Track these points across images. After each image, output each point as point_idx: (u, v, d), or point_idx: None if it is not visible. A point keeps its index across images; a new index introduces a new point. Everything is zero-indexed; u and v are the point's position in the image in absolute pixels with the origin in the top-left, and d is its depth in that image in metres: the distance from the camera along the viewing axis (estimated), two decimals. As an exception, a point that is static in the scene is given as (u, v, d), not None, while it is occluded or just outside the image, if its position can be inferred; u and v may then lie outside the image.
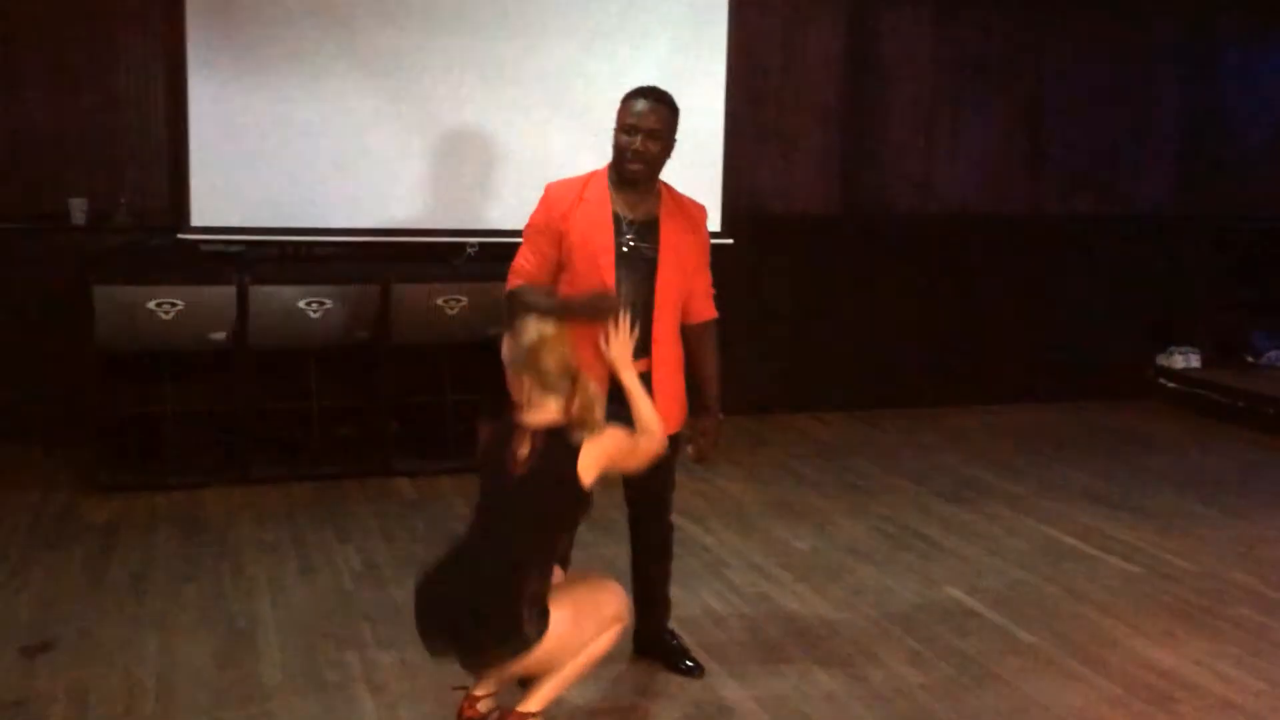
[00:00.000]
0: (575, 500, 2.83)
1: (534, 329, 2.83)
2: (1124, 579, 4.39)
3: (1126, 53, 7.26)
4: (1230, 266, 7.54)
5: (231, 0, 5.32)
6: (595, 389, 2.85)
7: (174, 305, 4.98)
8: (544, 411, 2.81)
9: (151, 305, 4.95)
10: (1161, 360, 7.42)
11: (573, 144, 5.47)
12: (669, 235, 3.27)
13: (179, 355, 5.14)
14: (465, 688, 3.03)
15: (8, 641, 3.55)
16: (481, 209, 5.73)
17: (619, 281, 3.20)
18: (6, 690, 3.25)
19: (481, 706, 2.99)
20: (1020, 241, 7.15)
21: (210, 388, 5.31)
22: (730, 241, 5.89)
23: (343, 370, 5.47)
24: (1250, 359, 7.50)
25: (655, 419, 3.02)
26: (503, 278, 3.38)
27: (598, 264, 3.20)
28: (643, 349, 3.25)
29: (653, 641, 3.55)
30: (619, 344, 3.06)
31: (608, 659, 3.44)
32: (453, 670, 3.34)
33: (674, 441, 3.32)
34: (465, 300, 5.33)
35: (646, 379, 3.25)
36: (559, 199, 3.28)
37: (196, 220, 5.37)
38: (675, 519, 3.54)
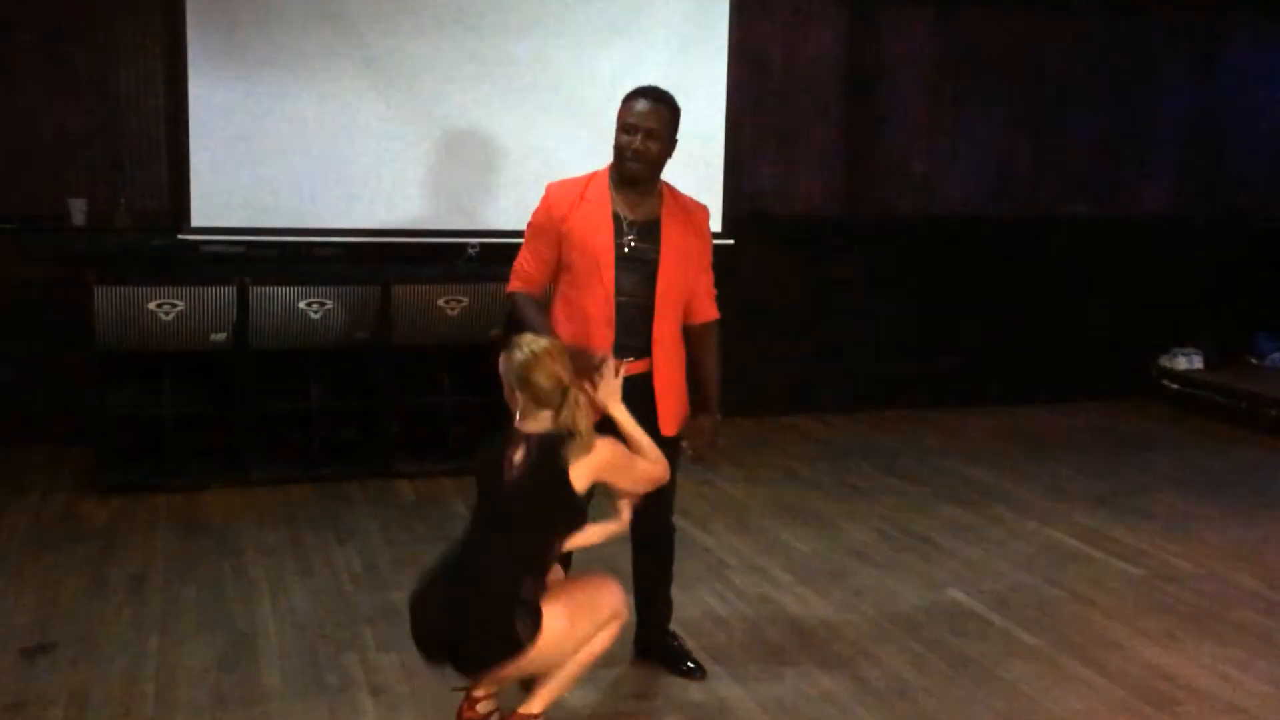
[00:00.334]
0: (568, 506, 2.84)
1: (526, 346, 2.87)
2: (1126, 581, 4.38)
3: (1129, 54, 7.24)
4: (1233, 268, 7.52)
5: (232, 0, 5.31)
6: (586, 401, 2.89)
7: (174, 306, 4.98)
8: (538, 421, 2.84)
9: (152, 306, 4.95)
10: (1164, 362, 7.41)
11: (574, 144, 5.46)
12: (670, 236, 3.25)
13: (179, 356, 5.13)
14: (465, 688, 3.02)
15: (7, 643, 3.54)
16: (482, 209, 5.72)
17: (619, 282, 3.19)
18: (6, 692, 3.24)
19: (481, 708, 2.98)
20: (1023, 243, 7.14)
21: (210, 389, 5.30)
22: (731, 242, 5.88)
23: (343, 371, 5.46)
24: (1253, 360, 7.48)
25: (654, 449, 3.04)
26: (504, 278, 3.38)
27: (598, 265, 3.19)
28: (643, 350, 3.24)
29: (654, 643, 3.54)
30: (606, 386, 3.06)
31: (608, 661, 3.44)
32: (452, 670, 3.34)
33: (675, 443, 3.31)
34: (466, 301, 5.32)
35: (647, 380, 3.24)
36: (560, 199, 3.27)
37: (197, 221, 5.37)
38: (676, 520, 3.53)
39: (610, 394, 3.06)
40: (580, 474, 2.82)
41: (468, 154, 5.70)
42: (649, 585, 3.52)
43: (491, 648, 2.79)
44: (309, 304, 5.16)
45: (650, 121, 3.18)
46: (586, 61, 5.76)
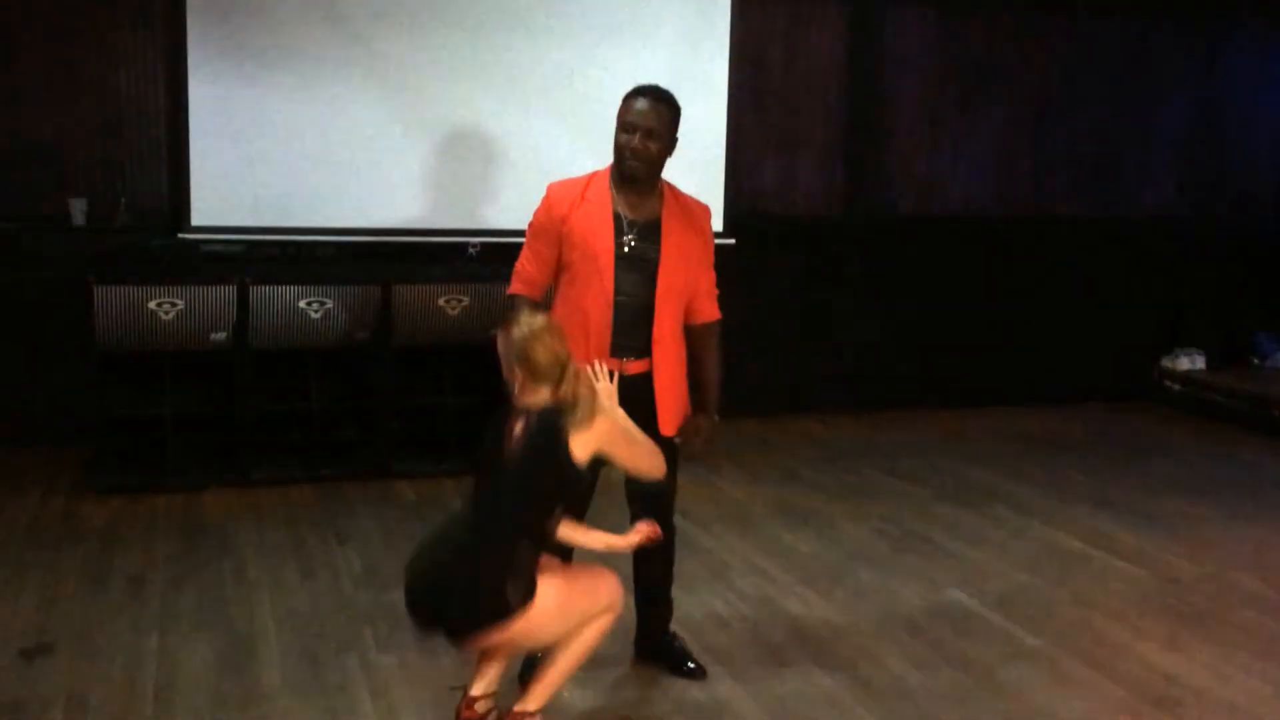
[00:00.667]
0: (568, 475, 2.84)
1: (524, 323, 2.88)
2: (1128, 582, 4.37)
3: (1132, 54, 7.24)
4: (1235, 268, 7.51)
5: (233, 0, 5.31)
6: (586, 373, 2.89)
7: (174, 306, 4.97)
8: (537, 396, 2.85)
9: (152, 306, 4.95)
10: (1166, 363, 7.40)
11: (575, 144, 5.46)
12: (671, 235, 3.25)
13: (179, 356, 5.12)
14: (463, 687, 3.01)
15: (6, 644, 3.53)
16: (483, 209, 5.72)
17: (619, 282, 3.18)
18: (5, 692, 3.23)
19: (479, 707, 2.97)
20: (1024, 243, 7.13)
21: (210, 389, 5.29)
22: (733, 242, 5.87)
23: (343, 371, 5.45)
24: (1255, 361, 7.47)
25: (652, 448, 3.03)
26: (505, 278, 3.37)
27: (598, 264, 3.18)
28: (643, 350, 3.23)
29: (655, 644, 3.53)
30: (601, 390, 3.03)
31: (609, 661, 3.44)
32: (451, 670, 3.34)
33: (674, 443, 3.30)
34: (467, 300, 5.31)
35: (647, 380, 3.23)
36: (560, 199, 3.26)
37: (197, 220, 5.36)
38: (677, 521, 3.51)
39: (606, 396, 3.06)
40: (581, 444, 2.82)
41: (468, 153, 5.69)
42: (650, 586, 3.51)
43: (480, 607, 2.77)
44: (309, 304, 5.15)
45: (649, 120, 3.17)
46: (587, 61, 5.75)
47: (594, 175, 3.30)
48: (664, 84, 3.31)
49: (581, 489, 2.94)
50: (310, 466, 5.28)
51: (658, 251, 3.22)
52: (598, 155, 3.40)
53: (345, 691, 3.31)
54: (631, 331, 3.22)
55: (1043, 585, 4.30)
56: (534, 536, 2.85)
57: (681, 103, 3.29)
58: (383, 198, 5.57)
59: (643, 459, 2.99)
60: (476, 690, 2.98)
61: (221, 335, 5.06)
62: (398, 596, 3.91)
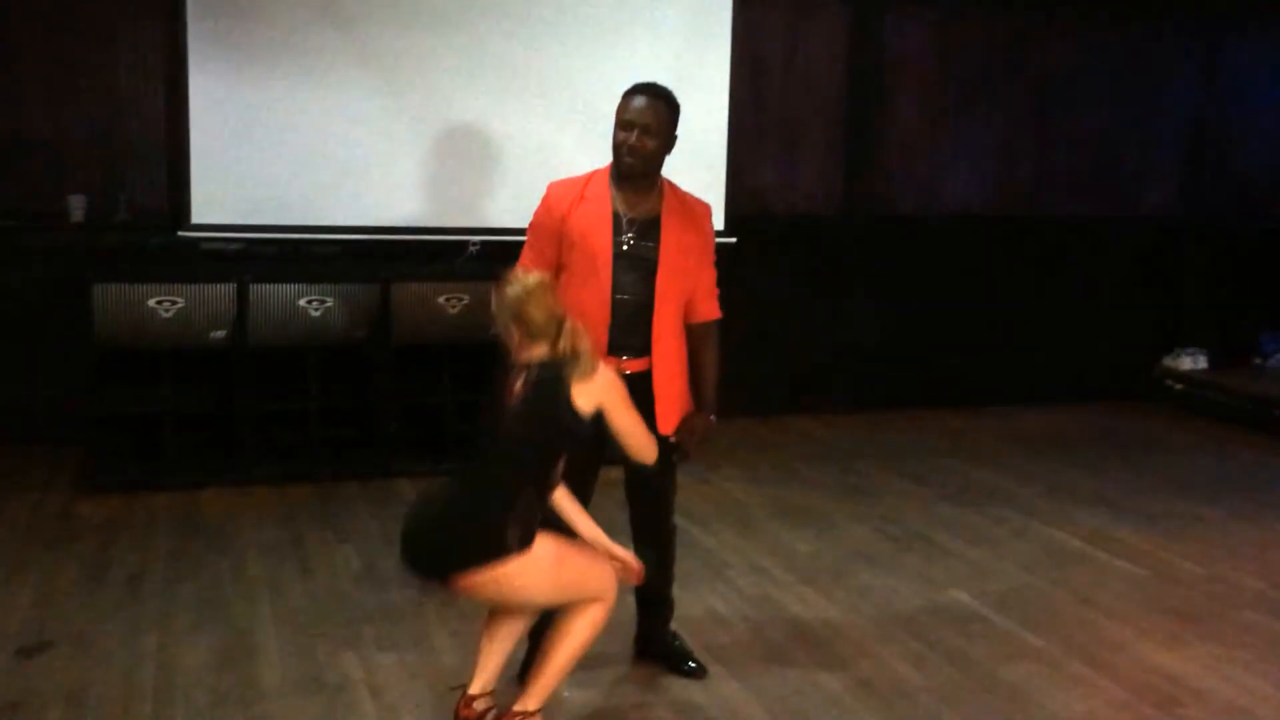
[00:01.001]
0: (571, 425, 2.84)
1: (518, 281, 2.89)
2: (1130, 582, 4.36)
3: (1132, 54, 7.22)
4: (1237, 268, 7.50)
5: (233, -3, 5.31)
6: (582, 328, 2.89)
7: (174, 303, 4.96)
8: (535, 351, 2.86)
9: (151, 303, 4.94)
10: (1168, 362, 7.39)
11: (576, 142, 5.45)
12: (670, 234, 3.23)
13: (178, 354, 5.11)
14: (463, 687, 3.00)
15: (5, 642, 3.52)
16: (483, 207, 5.70)
17: (617, 280, 3.17)
18: (3, 691, 3.23)
19: (478, 706, 2.97)
20: (1025, 243, 7.12)
21: (209, 387, 5.28)
22: (733, 241, 5.85)
23: (343, 370, 5.44)
24: (1258, 361, 7.45)
25: (651, 434, 3.02)
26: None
27: (596, 263, 3.17)
28: (643, 348, 3.22)
29: (655, 643, 3.52)
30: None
31: (608, 660, 3.43)
32: (450, 669, 3.33)
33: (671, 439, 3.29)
34: (467, 299, 5.30)
35: (646, 378, 3.22)
36: (560, 198, 3.26)
37: (197, 218, 5.34)
38: (677, 520, 3.51)
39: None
40: (583, 395, 2.82)
41: (468, 151, 5.68)
42: (650, 585, 3.48)
43: (479, 544, 2.76)
44: (309, 302, 5.14)
45: (647, 118, 3.17)
46: (588, 59, 5.74)
47: (594, 174, 3.29)
48: (664, 82, 3.29)
49: (584, 440, 2.92)
50: (309, 465, 5.27)
51: (657, 250, 3.21)
52: (598, 154, 3.39)
53: (344, 690, 3.30)
54: (630, 330, 3.21)
55: (1044, 585, 4.29)
56: (538, 485, 2.85)
57: (682, 101, 3.28)
58: (383, 196, 5.56)
59: (639, 431, 2.97)
60: (475, 689, 2.98)
61: (221, 333, 5.05)
62: (397, 595, 3.94)
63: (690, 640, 3.58)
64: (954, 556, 4.56)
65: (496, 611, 3.01)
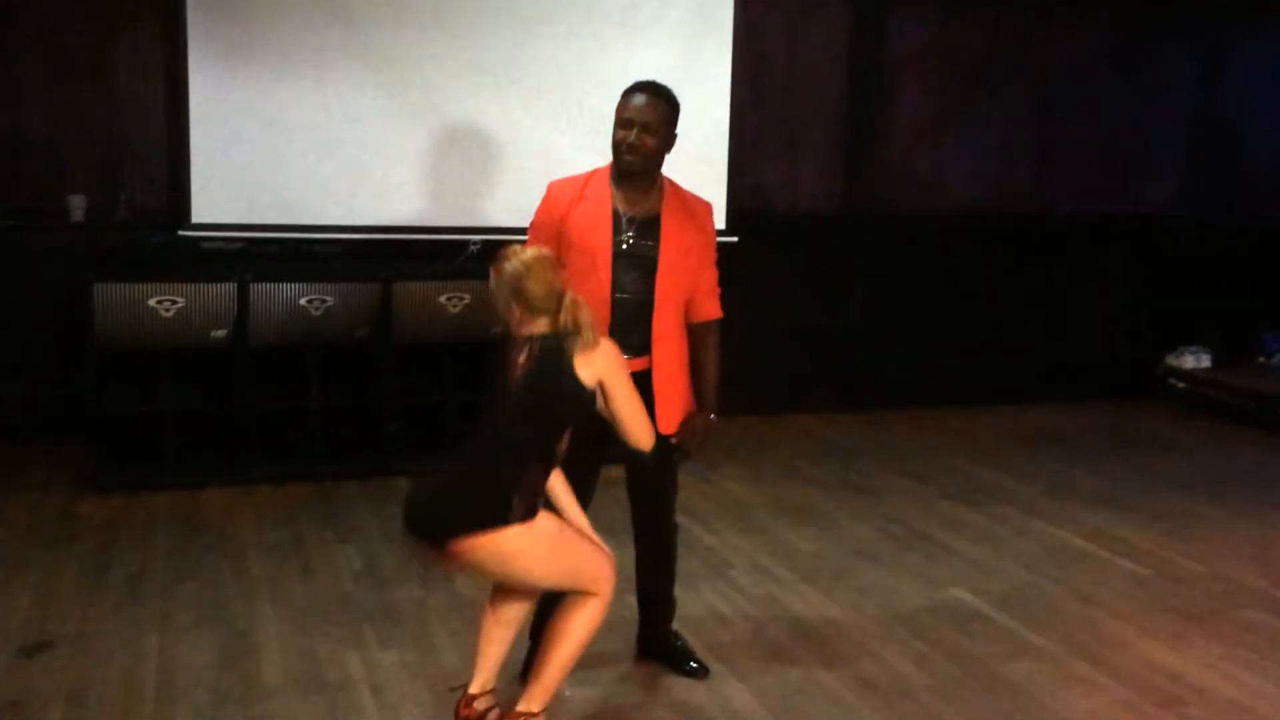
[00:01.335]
0: (574, 397, 2.84)
1: (515, 256, 2.89)
2: (1133, 581, 4.35)
3: (1134, 52, 7.21)
4: (1241, 266, 7.48)
5: (233, -4, 5.30)
6: (583, 300, 2.89)
7: (174, 303, 4.95)
8: (536, 326, 2.86)
9: (152, 303, 4.93)
10: (1171, 360, 7.38)
11: (577, 141, 5.44)
12: (670, 232, 3.23)
13: (179, 353, 5.10)
14: (463, 687, 3.00)
15: (6, 641, 3.52)
16: (484, 206, 5.70)
17: (617, 279, 3.16)
18: (4, 690, 3.22)
19: (479, 705, 2.96)
20: (1028, 240, 7.11)
21: (210, 386, 5.28)
22: (735, 240, 5.84)
23: (344, 369, 5.43)
24: (1261, 359, 7.44)
25: (649, 421, 3.01)
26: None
27: (595, 262, 3.17)
28: (643, 348, 3.21)
29: (657, 643, 3.51)
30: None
31: (611, 660, 3.43)
32: (452, 668, 3.32)
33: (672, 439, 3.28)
34: (468, 298, 5.30)
35: (646, 377, 3.21)
36: (560, 197, 3.25)
37: (197, 217, 5.34)
38: (679, 519, 3.50)
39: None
40: (585, 366, 2.82)
41: (469, 151, 5.67)
42: (652, 584, 3.49)
43: (482, 508, 2.75)
44: (309, 301, 5.14)
45: (646, 116, 3.16)
46: (590, 58, 5.73)
47: (594, 173, 3.28)
48: (666, 80, 3.29)
49: (588, 413, 2.91)
50: (310, 464, 5.27)
51: (657, 249, 3.21)
52: (599, 152, 3.38)
53: (345, 689, 3.30)
54: (630, 329, 3.20)
55: (1046, 584, 4.28)
56: (542, 459, 2.85)
57: (684, 99, 3.27)
58: (383, 195, 5.55)
59: (636, 410, 2.95)
60: (474, 688, 2.97)
61: (221, 333, 5.04)
62: (398, 594, 3.94)
63: (692, 639, 3.57)
64: (956, 555, 4.56)
65: (492, 607, 3.00)
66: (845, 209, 6.75)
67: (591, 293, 3.16)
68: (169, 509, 4.78)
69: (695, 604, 3.91)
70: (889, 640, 3.75)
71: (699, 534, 4.62)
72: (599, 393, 2.88)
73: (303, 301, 5.12)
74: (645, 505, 3.41)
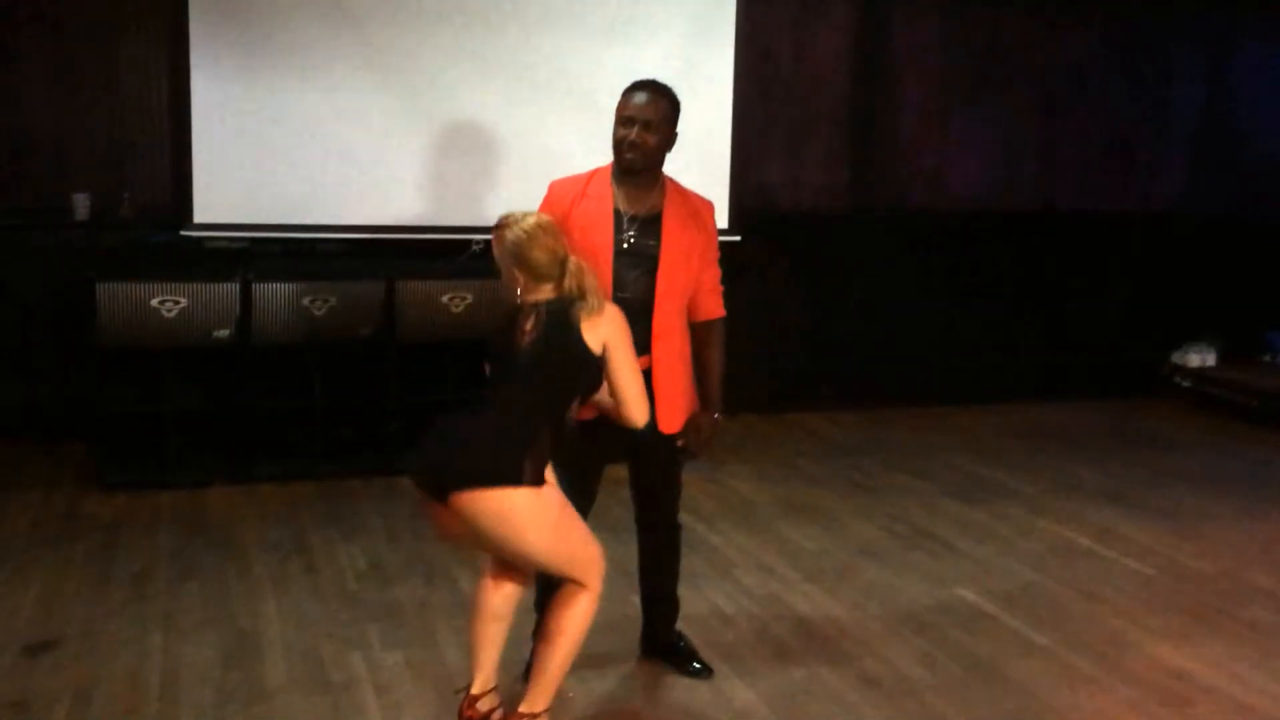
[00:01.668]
0: (583, 363, 2.84)
1: (517, 224, 2.88)
2: (1138, 580, 4.34)
3: (1140, 47, 7.19)
4: (1246, 264, 7.47)
5: (236, -5, 5.30)
6: (587, 266, 2.90)
7: (177, 302, 4.95)
8: (541, 293, 2.87)
9: (154, 302, 4.93)
10: (1177, 358, 7.36)
11: (580, 139, 5.42)
12: (672, 231, 3.22)
13: (181, 353, 5.10)
14: (465, 688, 2.99)
15: (10, 640, 3.52)
16: (487, 205, 5.68)
17: (618, 278, 3.16)
18: (9, 689, 3.22)
19: (481, 705, 2.95)
20: (1033, 238, 7.10)
21: (213, 386, 5.28)
22: (738, 238, 5.84)
23: (347, 368, 5.43)
24: (1266, 357, 7.43)
25: (644, 398, 3.00)
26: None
27: (596, 260, 3.15)
28: (644, 347, 3.20)
29: (660, 643, 3.51)
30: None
31: (614, 660, 3.42)
32: (455, 666, 3.32)
33: (676, 441, 3.27)
34: (471, 297, 5.29)
35: (647, 376, 3.20)
36: (562, 196, 3.25)
37: (200, 217, 5.34)
38: (683, 519, 3.49)
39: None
40: (592, 331, 2.83)
41: (472, 149, 5.67)
42: (655, 584, 3.49)
43: (493, 463, 2.74)
44: (312, 300, 5.13)
45: (648, 113, 3.15)
46: (592, 56, 5.72)
47: (596, 171, 3.28)
48: (670, 78, 3.28)
49: (598, 376, 2.91)
50: (313, 463, 5.27)
51: (658, 247, 3.20)
52: (601, 152, 3.37)
53: (349, 689, 3.30)
54: (632, 327, 3.17)
55: (1051, 582, 4.27)
56: (553, 425, 2.85)
57: (687, 97, 3.27)
58: (386, 194, 5.55)
59: (634, 379, 2.93)
60: (476, 688, 2.96)
61: (224, 332, 5.04)
62: (402, 593, 3.93)
63: (696, 638, 3.56)
64: (960, 554, 4.55)
65: (480, 603, 2.97)
66: (849, 207, 6.74)
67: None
68: (172, 508, 4.78)
69: (699, 603, 3.90)
70: (893, 639, 3.74)
71: (703, 533, 4.62)
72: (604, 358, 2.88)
73: (305, 301, 5.12)
74: (648, 505, 3.41)
